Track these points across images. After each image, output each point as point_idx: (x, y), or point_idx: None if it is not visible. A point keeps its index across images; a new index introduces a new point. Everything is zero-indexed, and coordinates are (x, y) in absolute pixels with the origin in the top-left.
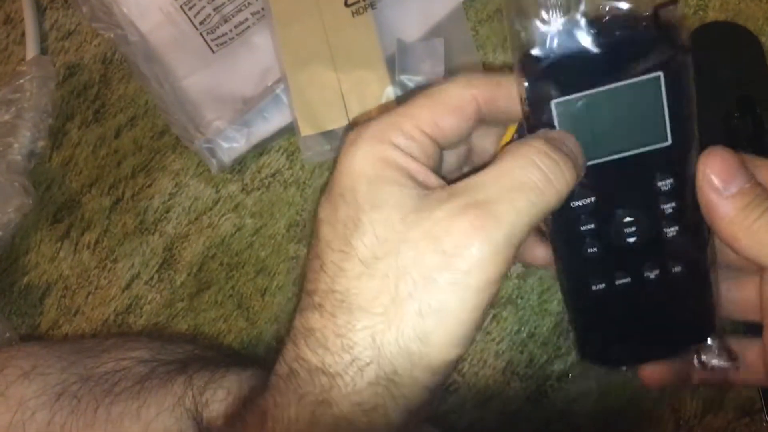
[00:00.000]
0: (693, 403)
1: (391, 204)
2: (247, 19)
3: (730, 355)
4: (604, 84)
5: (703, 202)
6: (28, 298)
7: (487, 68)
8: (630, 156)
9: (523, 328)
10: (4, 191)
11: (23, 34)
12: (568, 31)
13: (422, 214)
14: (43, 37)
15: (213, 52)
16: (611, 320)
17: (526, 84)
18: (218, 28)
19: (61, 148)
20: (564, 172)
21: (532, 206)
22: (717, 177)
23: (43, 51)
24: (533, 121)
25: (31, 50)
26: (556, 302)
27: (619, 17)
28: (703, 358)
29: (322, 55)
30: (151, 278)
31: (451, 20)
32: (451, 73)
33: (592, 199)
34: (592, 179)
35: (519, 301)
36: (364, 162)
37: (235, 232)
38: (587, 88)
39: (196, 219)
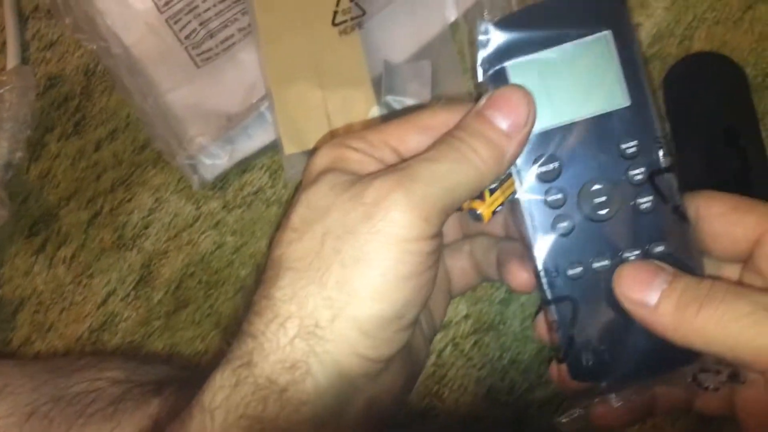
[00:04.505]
0: (674, 430)
1: (327, 182)
2: (233, 35)
3: (732, 371)
4: (555, 45)
5: (641, 323)
6: (0, 313)
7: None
8: (592, 119)
9: (504, 355)
10: None
11: (4, 43)
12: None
13: (352, 184)
14: (24, 47)
15: (198, 67)
16: (592, 317)
17: (480, 48)
18: (204, 43)
19: (40, 160)
20: (482, 154)
21: (451, 173)
22: (633, 291)
23: (24, 61)
24: (491, 89)
25: (11, 60)
26: None
27: None
28: (700, 376)
29: (308, 73)
30: (128, 295)
31: (439, 43)
32: (437, 95)
33: (556, 164)
34: (556, 144)
35: (501, 327)
36: (321, 158)
37: (215, 250)
38: (539, 50)
39: (175, 236)
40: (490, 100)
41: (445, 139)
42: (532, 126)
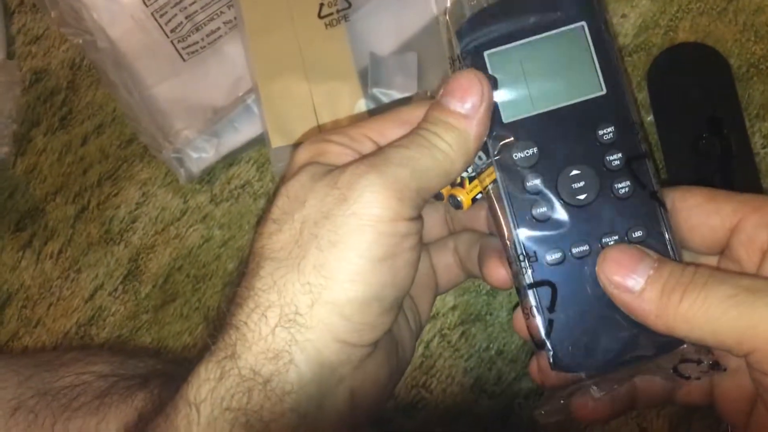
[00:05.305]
0: (659, 421)
1: (306, 173)
2: (219, 28)
3: (713, 361)
4: (531, 36)
5: (624, 308)
6: None
7: None
8: (568, 107)
9: (492, 345)
10: None
11: None
12: None
13: (329, 173)
14: (9, 41)
15: (184, 60)
16: (572, 304)
17: (458, 41)
18: (190, 36)
19: (26, 155)
20: (447, 138)
21: (421, 157)
22: (618, 277)
23: (10, 55)
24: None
25: None
26: None
27: None
28: (681, 366)
29: (294, 66)
30: (115, 289)
31: (425, 35)
32: (423, 86)
33: (534, 150)
34: (534, 132)
35: (488, 317)
36: (303, 153)
37: (203, 244)
38: (516, 41)
39: (163, 229)
40: (444, 88)
41: (414, 130)
42: (490, 103)
